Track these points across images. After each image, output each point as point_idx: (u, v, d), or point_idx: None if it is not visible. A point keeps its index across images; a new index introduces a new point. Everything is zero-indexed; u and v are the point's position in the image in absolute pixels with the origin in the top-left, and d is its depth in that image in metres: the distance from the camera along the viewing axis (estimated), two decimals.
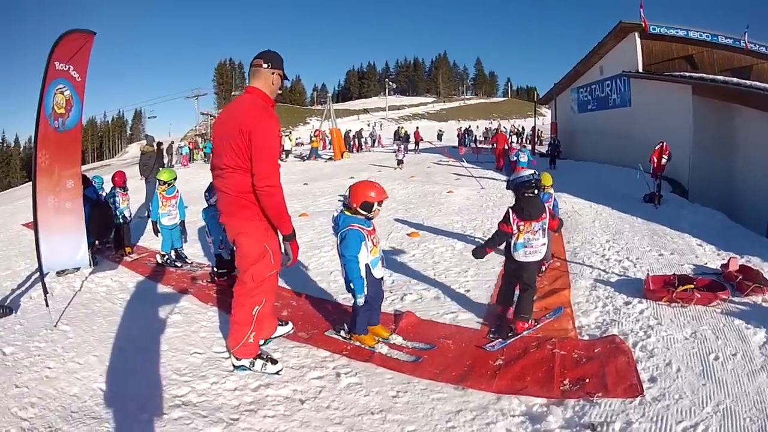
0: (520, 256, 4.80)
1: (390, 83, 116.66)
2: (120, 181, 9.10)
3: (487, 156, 25.94)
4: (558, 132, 28.35)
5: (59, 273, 7.20)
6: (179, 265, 8.00)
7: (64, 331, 5.39)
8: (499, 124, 60.95)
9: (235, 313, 4.20)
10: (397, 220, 10.86)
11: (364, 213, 4.33)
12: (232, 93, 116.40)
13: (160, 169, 9.62)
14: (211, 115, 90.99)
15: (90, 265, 7.85)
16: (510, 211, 4.90)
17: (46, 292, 5.61)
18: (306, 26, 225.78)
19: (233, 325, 4.23)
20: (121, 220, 8.92)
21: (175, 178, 8.13)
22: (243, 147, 3.66)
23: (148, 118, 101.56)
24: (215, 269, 6.89)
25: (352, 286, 4.39)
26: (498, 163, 22.25)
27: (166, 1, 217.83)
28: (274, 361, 4.39)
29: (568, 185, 14.04)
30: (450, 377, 4.15)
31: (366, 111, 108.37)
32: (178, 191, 8.08)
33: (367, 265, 4.43)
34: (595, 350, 4.45)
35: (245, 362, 4.29)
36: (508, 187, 5.09)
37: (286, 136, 38.12)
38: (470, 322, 5.43)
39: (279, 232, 4.08)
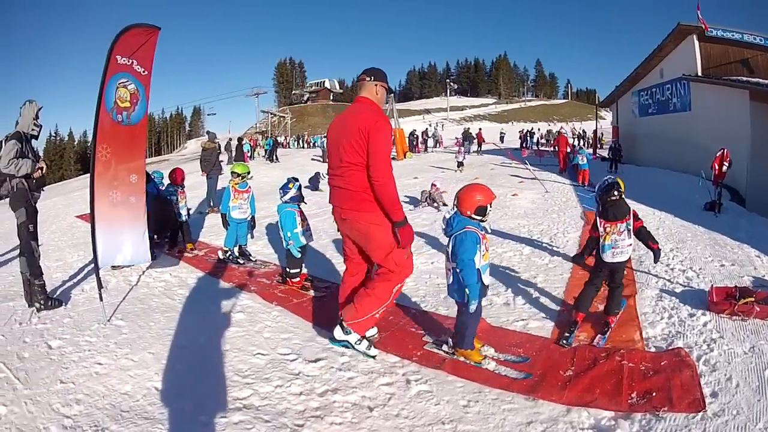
0: (608, 257, 4.97)
1: (451, 84, 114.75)
2: (179, 178, 9.00)
3: (550, 159, 25.30)
4: (619, 136, 27.58)
5: (114, 266, 7.11)
6: (242, 262, 7.85)
7: (117, 326, 5.27)
8: (561, 127, 59.54)
9: (376, 285, 4.37)
10: None
11: (479, 218, 4.20)
12: (293, 92, 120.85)
13: (233, 162, 9.53)
14: (272, 113, 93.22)
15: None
16: (596, 216, 5.15)
17: (100, 285, 5.45)
18: (366, 27, 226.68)
19: (367, 297, 4.35)
20: (180, 218, 8.79)
21: (248, 172, 8.04)
22: (362, 145, 4.06)
23: (208, 115, 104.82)
24: (287, 270, 6.64)
25: (468, 292, 4.11)
26: (561, 166, 21.66)
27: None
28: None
29: (630, 191, 13.34)
30: (521, 387, 4.01)
31: (428, 111, 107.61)
32: (250, 187, 7.93)
33: (478, 270, 4.19)
34: (662, 363, 4.32)
35: (353, 338, 4.43)
36: (597, 202, 5.29)
37: None
38: (541, 330, 5.19)
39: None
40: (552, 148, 28.93)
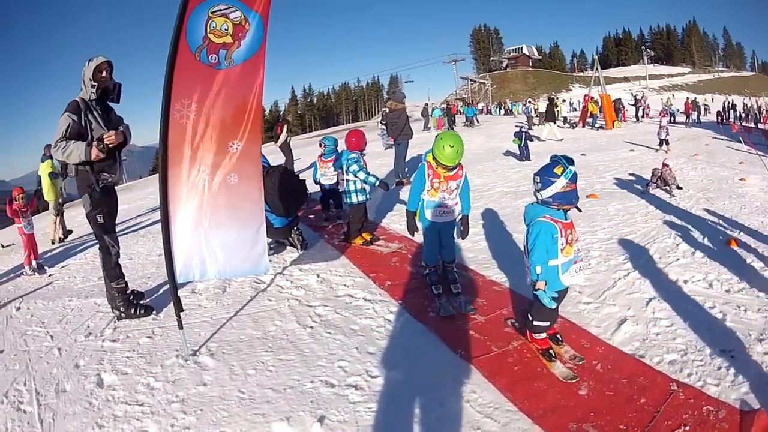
0: None
1: (648, 51, 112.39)
2: (358, 143, 6.86)
3: (757, 136, 21.20)
4: None
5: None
6: (437, 291, 4.96)
7: (201, 367, 3.86)
8: None
9: None
10: (706, 211, 7.95)
11: None
12: (491, 58, 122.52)
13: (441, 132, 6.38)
14: (471, 80, 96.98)
15: (298, 248, 6.59)
16: None
17: (180, 308, 4.06)
18: None
19: None
20: (357, 199, 6.74)
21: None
22: None
23: (405, 82, 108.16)
24: (530, 319, 3.81)
25: None
26: None
27: None
28: None
29: None
30: None
31: (626, 79, 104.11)
32: (461, 168, 4.90)
33: None
34: None
35: None
36: None
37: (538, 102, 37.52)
38: None
39: None
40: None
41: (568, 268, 3.55)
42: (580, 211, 3.75)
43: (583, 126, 27.39)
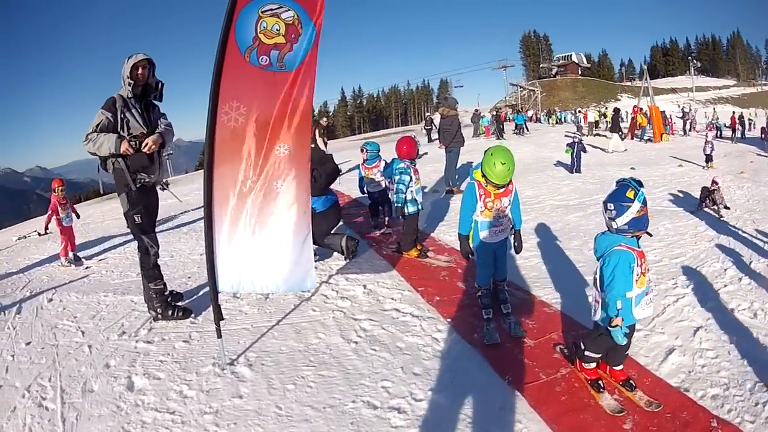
0: None
1: (695, 62, 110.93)
2: (409, 151, 6.57)
3: None
4: None
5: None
6: (487, 316, 4.64)
7: (238, 378, 3.72)
8: None
9: None
10: (754, 234, 7.62)
11: None
12: (540, 65, 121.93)
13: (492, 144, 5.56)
14: (521, 87, 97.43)
15: (345, 256, 6.26)
16: None
17: (220, 317, 3.93)
18: None
19: None
20: (407, 210, 6.45)
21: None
22: None
23: (455, 87, 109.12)
24: (582, 348, 3.68)
25: None
26: None
27: None
28: None
29: None
30: None
31: (674, 91, 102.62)
32: (512, 184, 4.67)
33: None
34: None
35: None
36: None
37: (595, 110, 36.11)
38: None
39: None
40: None
41: (641, 301, 3.30)
42: (650, 235, 3.53)
43: (632, 138, 26.97)
